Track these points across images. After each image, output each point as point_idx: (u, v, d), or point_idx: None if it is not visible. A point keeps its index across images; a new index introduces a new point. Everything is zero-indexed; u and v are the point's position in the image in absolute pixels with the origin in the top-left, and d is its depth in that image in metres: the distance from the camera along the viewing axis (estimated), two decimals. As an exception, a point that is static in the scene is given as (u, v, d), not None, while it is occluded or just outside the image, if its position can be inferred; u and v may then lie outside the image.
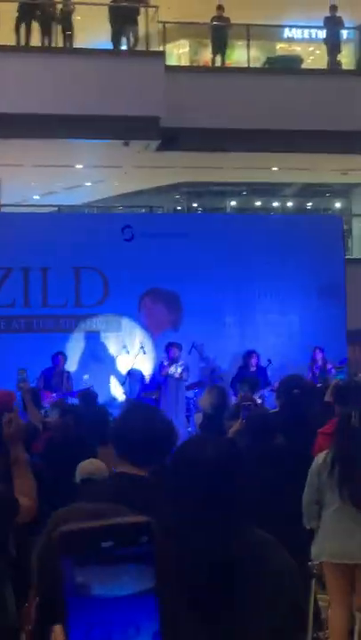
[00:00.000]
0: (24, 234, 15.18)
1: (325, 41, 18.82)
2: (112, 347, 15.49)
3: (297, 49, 21.59)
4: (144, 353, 15.28)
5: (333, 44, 18.52)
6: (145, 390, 15.18)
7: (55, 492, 5.25)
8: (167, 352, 14.72)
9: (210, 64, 18.41)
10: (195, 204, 22.88)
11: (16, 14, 16.52)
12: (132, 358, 15.21)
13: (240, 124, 16.34)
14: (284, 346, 15.76)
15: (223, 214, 21.41)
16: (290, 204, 23.13)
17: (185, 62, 20.95)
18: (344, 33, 19.01)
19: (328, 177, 20.91)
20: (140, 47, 17.17)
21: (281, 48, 21.94)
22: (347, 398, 7.00)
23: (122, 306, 15.50)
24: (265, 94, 16.66)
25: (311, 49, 21.34)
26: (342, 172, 20.04)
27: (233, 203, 23.13)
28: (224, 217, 20.23)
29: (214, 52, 18.12)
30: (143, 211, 20.36)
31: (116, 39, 16.88)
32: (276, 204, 23.17)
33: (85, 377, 14.50)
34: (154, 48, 17.30)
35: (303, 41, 21.69)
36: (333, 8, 18.38)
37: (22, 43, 16.48)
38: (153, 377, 15.26)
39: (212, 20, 18.19)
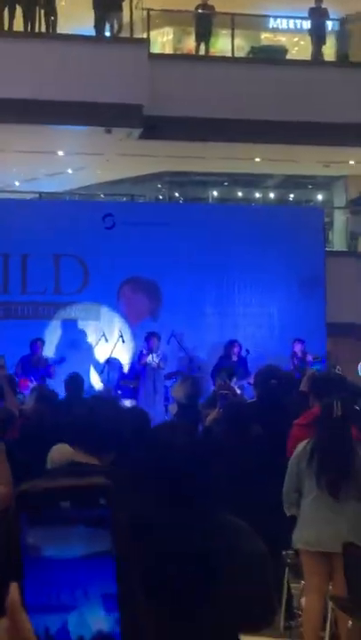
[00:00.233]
0: (4, 220, 15.13)
1: (310, 32, 18.78)
2: (91, 335, 15.48)
3: (282, 39, 21.56)
4: (123, 342, 15.27)
5: (318, 36, 18.48)
6: (123, 379, 15.18)
7: (30, 478, 5.22)
8: (147, 342, 14.71)
9: (194, 52, 18.33)
10: (176, 194, 22.83)
11: (-1, -1, 16.41)
12: (110, 347, 15.19)
13: (223, 114, 16.29)
14: (263, 337, 15.80)
15: (205, 204, 21.38)
16: (272, 195, 23.12)
17: (169, 50, 20.87)
18: (329, 24, 18.96)
19: (310, 169, 20.89)
20: (124, 34, 17.07)
21: (266, 38, 21.91)
22: (323, 389, 7.00)
23: (101, 294, 15.48)
24: (249, 84, 16.62)
25: (296, 39, 21.31)
26: (325, 165, 20.03)
27: (215, 193, 23.10)
28: (205, 207, 20.21)
29: (198, 41, 18.03)
30: (125, 199, 20.30)
31: (99, 25, 16.78)
32: (257, 195, 23.15)
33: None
34: (138, 35, 17.22)
35: (288, 31, 21.66)
36: (319, -1, 18.37)
37: (5, 28, 16.36)
38: (132, 366, 15.25)
39: (196, 9, 18.10)
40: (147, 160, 19.12)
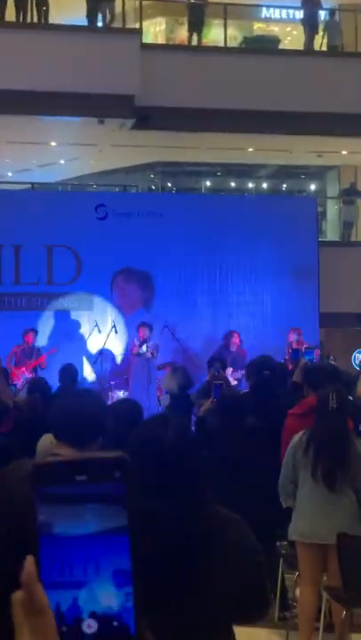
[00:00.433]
0: (-3, 211, 15.11)
1: (303, 22, 18.74)
2: (84, 325, 15.48)
3: (275, 29, 21.51)
4: (116, 332, 15.26)
5: (311, 26, 18.43)
6: (116, 370, 15.18)
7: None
8: (137, 332, 14.71)
9: (186, 43, 18.28)
10: (169, 184, 22.81)
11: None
12: (103, 337, 15.18)
13: (216, 104, 16.27)
14: (256, 326, 15.82)
15: (198, 194, 21.37)
16: (265, 185, 23.10)
17: (161, 40, 20.82)
18: (322, 14, 18.92)
19: (303, 159, 20.89)
20: (116, 24, 17.02)
21: (258, 28, 21.87)
22: (317, 380, 7.01)
23: (94, 284, 15.48)
24: (242, 74, 16.58)
25: (289, 29, 21.27)
26: (318, 154, 20.04)
27: (208, 183, 23.09)
28: (198, 197, 20.19)
29: (191, 31, 17.97)
30: (117, 190, 20.27)
31: (91, 16, 16.73)
32: (250, 185, 23.14)
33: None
34: (130, 25, 17.16)
35: (281, 21, 21.62)
36: (311, -12, 18.32)
37: (-3, 18, 16.31)
38: (124, 356, 15.25)
39: (189, -1, 18.08)
40: (139, 150, 19.11)
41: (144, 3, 17.70)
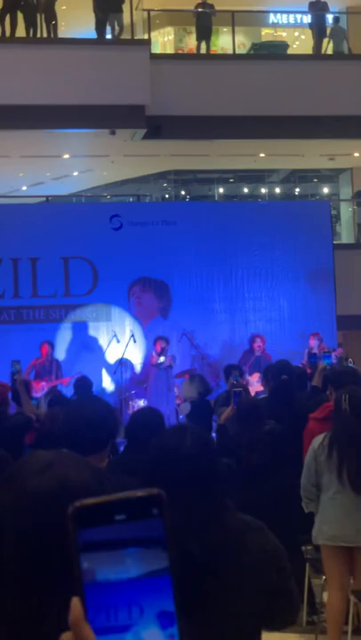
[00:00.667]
0: (13, 225, 15.19)
1: (311, 26, 18.76)
2: (102, 336, 15.51)
3: (282, 34, 21.55)
4: (134, 342, 15.29)
5: (319, 29, 18.46)
6: (136, 379, 15.22)
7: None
8: (154, 346, 14.73)
9: (195, 51, 18.35)
10: (182, 192, 22.87)
11: (0, 6, 16.46)
12: (122, 347, 15.22)
13: (226, 111, 16.32)
14: (274, 331, 15.82)
15: (211, 202, 21.41)
16: (278, 190, 23.13)
17: (170, 50, 20.90)
18: (329, 17, 18.95)
19: (315, 162, 20.90)
20: (125, 36, 17.11)
21: (266, 34, 21.91)
22: (339, 382, 7.02)
23: (111, 295, 15.51)
24: (251, 80, 16.63)
25: (297, 34, 21.30)
26: (330, 158, 20.05)
27: (221, 190, 23.13)
28: (212, 204, 20.23)
29: (199, 39, 18.04)
30: (131, 199, 20.35)
31: (100, 28, 16.82)
32: (263, 191, 23.17)
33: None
34: (139, 36, 17.25)
35: (288, 26, 21.66)
36: (318, -7, 18.35)
37: (7, 34, 16.42)
38: (143, 366, 15.28)
39: (196, 7, 18.12)
40: (152, 160, 19.18)
41: (152, 13, 17.80)
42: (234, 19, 18.18)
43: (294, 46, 20.50)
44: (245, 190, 23.45)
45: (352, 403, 5.91)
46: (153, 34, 17.88)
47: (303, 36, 20.31)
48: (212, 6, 17.95)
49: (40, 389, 13.16)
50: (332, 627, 6.04)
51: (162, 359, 14.45)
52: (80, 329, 15.47)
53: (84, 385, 10.77)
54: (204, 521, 2.60)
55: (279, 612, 2.73)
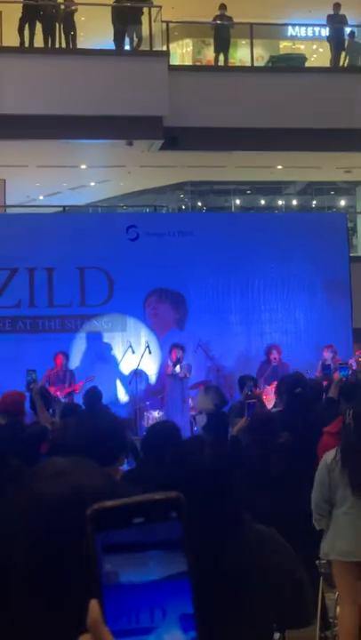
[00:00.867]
0: (29, 234, 15.22)
1: (329, 39, 18.79)
2: (118, 347, 15.51)
3: (301, 47, 21.59)
4: (150, 353, 15.28)
5: (337, 42, 18.49)
6: (151, 390, 15.21)
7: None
8: (170, 354, 14.73)
9: (213, 63, 18.40)
10: (199, 203, 22.90)
11: (20, 15, 16.56)
12: (137, 358, 15.21)
13: (244, 123, 16.35)
14: (290, 344, 15.78)
15: (228, 213, 21.41)
16: (294, 202, 23.14)
17: (188, 62, 20.98)
18: (347, 30, 18.97)
19: (332, 175, 20.91)
20: (144, 47, 17.17)
21: (285, 46, 21.95)
22: (352, 396, 7.00)
23: (127, 305, 15.52)
24: (269, 93, 16.67)
25: (315, 47, 21.34)
26: (346, 170, 20.05)
27: (237, 201, 23.15)
28: (228, 216, 20.24)
29: (217, 52, 18.10)
30: (147, 210, 20.38)
31: (119, 39, 16.89)
32: (280, 203, 23.18)
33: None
34: (157, 48, 17.31)
35: (307, 39, 21.70)
36: (337, 6, 18.36)
37: (26, 44, 16.51)
38: (158, 377, 15.27)
39: (214, 19, 18.18)
40: (168, 171, 19.22)
41: (171, 25, 17.86)
42: (252, 31, 18.22)
43: (312, 59, 20.54)
44: (262, 202, 23.46)
45: (356, 418, 5.87)
46: (171, 45, 17.96)
47: (321, 49, 20.34)
48: (230, 18, 18.01)
49: (55, 398, 13.16)
50: (345, 642, 6.00)
51: (177, 369, 14.44)
52: (95, 339, 15.48)
53: (94, 396, 10.77)
54: (220, 533, 2.60)
55: (291, 618, 2.75)
